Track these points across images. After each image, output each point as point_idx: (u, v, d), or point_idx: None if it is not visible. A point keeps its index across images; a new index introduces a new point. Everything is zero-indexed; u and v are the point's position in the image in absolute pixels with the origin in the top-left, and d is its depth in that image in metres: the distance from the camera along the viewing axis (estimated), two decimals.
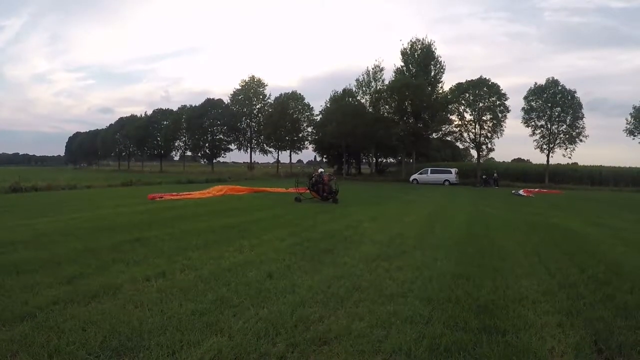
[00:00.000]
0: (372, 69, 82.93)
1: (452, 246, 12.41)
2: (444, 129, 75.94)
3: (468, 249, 12.10)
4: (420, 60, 76.97)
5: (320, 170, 29.80)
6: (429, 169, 66.67)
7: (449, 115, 73.99)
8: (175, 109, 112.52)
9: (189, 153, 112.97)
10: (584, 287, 8.32)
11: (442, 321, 6.24)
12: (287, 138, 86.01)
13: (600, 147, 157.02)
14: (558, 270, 9.65)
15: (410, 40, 78.81)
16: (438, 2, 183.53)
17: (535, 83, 72.43)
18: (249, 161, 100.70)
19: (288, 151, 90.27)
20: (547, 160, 72.15)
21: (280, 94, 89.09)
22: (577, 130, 70.62)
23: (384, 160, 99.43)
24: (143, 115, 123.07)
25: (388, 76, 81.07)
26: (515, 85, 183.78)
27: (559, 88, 70.73)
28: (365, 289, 7.65)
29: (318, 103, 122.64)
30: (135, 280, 7.92)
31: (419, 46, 77.67)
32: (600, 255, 11.80)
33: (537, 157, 72.26)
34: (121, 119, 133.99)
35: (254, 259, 9.91)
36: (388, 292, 7.52)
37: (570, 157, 71.96)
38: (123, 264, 9.17)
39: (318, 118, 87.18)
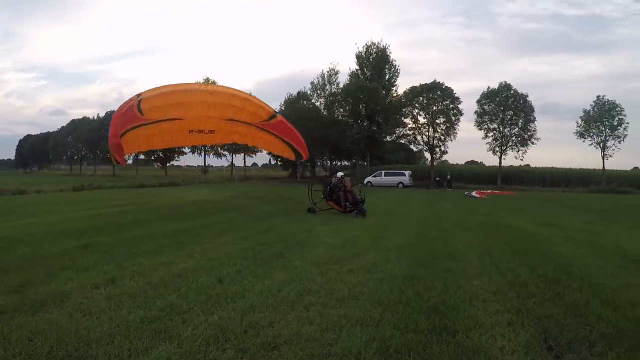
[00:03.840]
0: (327, 72, 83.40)
1: (404, 248, 12.54)
2: (397, 132, 76.61)
3: (420, 250, 12.25)
4: (375, 63, 77.43)
5: (340, 174, 23.78)
6: (383, 171, 67.14)
7: (403, 118, 74.82)
8: None
9: (142, 157, 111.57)
10: (534, 285, 8.52)
11: (392, 323, 6.30)
12: None
13: (552, 149, 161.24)
14: (509, 269, 9.87)
15: (366, 44, 79.32)
16: (397, 7, 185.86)
17: (489, 87, 73.80)
18: (203, 164, 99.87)
19: (242, 154, 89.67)
20: (500, 162, 73.45)
21: None
22: (528, 133, 72.23)
23: (339, 163, 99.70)
24: (96, 117, 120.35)
25: (343, 79, 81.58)
26: (470, 89, 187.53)
27: (512, 92, 72.21)
28: (316, 293, 7.67)
29: (274, 105, 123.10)
30: (84, 287, 7.80)
31: (374, 50, 78.14)
32: (551, 254, 12.07)
33: (491, 159, 73.86)
34: (73, 121, 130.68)
35: (204, 264, 9.84)
36: (339, 295, 7.56)
37: (522, 159, 73.59)
38: (72, 271, 9.02)
39: None
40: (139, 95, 13.77)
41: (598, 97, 73.29)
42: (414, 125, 74.52)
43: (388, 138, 78.51)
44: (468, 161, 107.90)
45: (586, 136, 72.26)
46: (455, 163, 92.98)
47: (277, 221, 18.61)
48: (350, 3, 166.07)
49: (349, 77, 79.04)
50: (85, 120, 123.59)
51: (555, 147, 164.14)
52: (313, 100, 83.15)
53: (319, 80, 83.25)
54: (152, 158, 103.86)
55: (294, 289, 7.85)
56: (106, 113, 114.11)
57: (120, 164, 12.30)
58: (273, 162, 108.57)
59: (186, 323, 6.19)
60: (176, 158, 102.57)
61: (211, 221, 18.20)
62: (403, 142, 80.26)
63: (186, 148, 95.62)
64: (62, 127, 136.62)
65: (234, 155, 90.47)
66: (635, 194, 63.03)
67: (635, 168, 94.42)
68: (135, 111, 13.26)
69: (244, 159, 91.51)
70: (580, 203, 37.83)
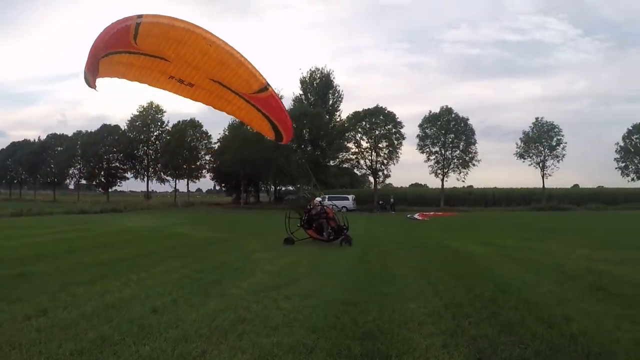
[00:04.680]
0: None
1: (343, 273, 12.55)
2: (341, 156, 77.28)
3: (359, 274, 12.29)
4: (319, 89, 78.15)
5: (319, 199, 22.24)
6: (327, 196, 67.08)
7: (346, 143, 75.62)
8: (71, 134, 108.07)
9: (83, 181, 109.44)
10: (470, 306, 8.57)
11: (325, 350, 6.22)
12: (185, 166, 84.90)
13: (494, 170, 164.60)
14: (446, 291, 9.91)
15: (310, 70, 79.92)
16: (342, 32, 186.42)
17: (430, 111, 75.21)
18: (146, 190, 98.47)
19: (186, 180, 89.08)
20: (442, 184, 75.02)
21: (179, 121, 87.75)
22: (470, 155, 74.11)
23: (283, 188, 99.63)
24: (37, 140, 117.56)
25: (287, 104, 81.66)
26: (413, 113, 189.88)
27: (453, 116, 74.05)
28: (250, 321, 7.52)
29: (217, 130, 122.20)
30: (15, 319, 7.50)
31: (319, 75, 78.91)
32: (488, 274, 12.27)
33: (435, 182, 74.83)
34: (13, 143, 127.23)
35: (139, 293, 9.58)
36: (273, 322, 7.43)
37: (464, 181, 75.56)
38: (4, 302, 8.64)
39: (216, 146, 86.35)
40: (139, 16, 13.13)
41: (537, 119, 76.20)
42: (357, 150, 75.38)
43: (332, 163, 78.88)
44: (412, 184, 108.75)
45: (526, 157, 74.92)
46: (399, 186, 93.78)
47: (217, 248, 18.47)
48: (296, 28, 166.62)
49: (292, 102, 79.40)
50: (25, 142, 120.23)
51: (498, 168, 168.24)
52: None
53: None
54: (94, 183, 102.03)
55: (228, 317, 7.69)
56: (47, 136, 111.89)
57: (91, 87, 11.63)
58: (217, 187, 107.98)
59: (117, 355, 5.99)
60: (119, 183, 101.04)
61: (150, 249, 17.91)
62: (347, 166, 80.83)
63: (129, 173, 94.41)
64: (2, 150, 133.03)
65: (177, 180, 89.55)
66: (575, 210, 65.26)
67: (576, 185, 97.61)
68: (131, 38, 12.69)
69: (188, 184, 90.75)
70: (520, 221, 38.70)
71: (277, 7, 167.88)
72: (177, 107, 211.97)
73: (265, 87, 14.97)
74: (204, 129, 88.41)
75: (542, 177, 75.86)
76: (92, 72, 12.12)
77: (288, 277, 11.69)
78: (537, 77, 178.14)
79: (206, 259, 15.11)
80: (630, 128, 78.71)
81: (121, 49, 13.56)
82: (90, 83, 12.19)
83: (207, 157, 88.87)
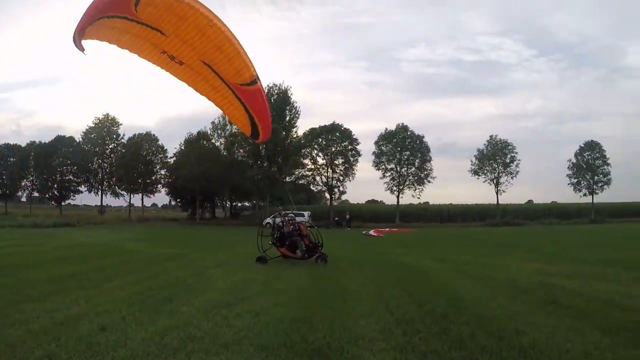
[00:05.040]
0: None
1: (295, 290, 12.48)
2: (297, 172, 77.27)
3: (312, 291, 12.24)
4: (277, 104, 77.90)
5: (291, 215, 21.83)
6: (283, 212, 66.62)
7: (302, 159, 75.67)
8: (24, 144, 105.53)
9: (36, 194, 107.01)
10: (421, 322, 8.59)
11: None
12: (140, 181, 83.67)
13: (450, 186, 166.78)
14: (397, 307, 9.92)
15: (268, 85, 79.78)
16: (302, 49, 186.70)
17: (386, 129, 75.69)
18: (100, 204, 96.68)
19: (140, 194, 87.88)
20: (397, 201, 75.86)
21: (134, 135, 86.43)
22: (425, 172, 74.84)
23: (239, 204, 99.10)
24: None
25: None
26: (371, 130, 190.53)
27: (408, 133, 74.64)
28: (200, 339, 7.40)
29: (173, 145, 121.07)
30: None
31: (276, 91, 78.64)
32: (441, 289, 12.36)
33: (391, 198, 75.39)
34: None
35: (89, 310, 9.36)
36: (223, 340, 7.32)
37: (419, 197, 76.34)
38: None
39: (172, 161, 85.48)
40: None
41: (491, 136, 77.66)
42: (313, 166, 75.69)
43: (288, 179, 78.80)
44: (369, 200, 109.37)
45: (480, 173, 76.37)
46: (356, 202, 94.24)
47: (170, 265, 18.16)
48: (256, 42, 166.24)
49: None
50: None
51: (453, 185, 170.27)
52: (213, 140, 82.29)
53: (219, 120, 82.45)
54: (47, 196, 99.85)
55: (178, 336, 7.54)
56: (0, 146, 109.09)
57: (79, 49, 11.12)
58: (173, 202, 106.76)
59: None
60: (72, 197, 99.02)
61: (101, 265, 17.53)
62: (303, 182, 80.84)
63: (82, 186, 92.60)
64: None
65: (132, 195, 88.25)
66: (529, 225, 66.73)
67: (530, 201, 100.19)
68: (132, 5, 12.08)
69: (142, 199, 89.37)
70: (474, 237, 39.18)
71: (239, 21, 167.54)
72: (133, 120, 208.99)
73: (255, 80, 14.47)
74: (159, 142, 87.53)
75: (497, 193, 77.56)
76: (80, 32, 11.58)
77: (240, 294, 11.56)
78: (492, 96, 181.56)
79: (158, 276, 14.88)
80: (582, 145, 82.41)
81: (119, 14, 12.91)
82: (78, 45, 11.67)
83: (163, 172, 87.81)
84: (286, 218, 21.06)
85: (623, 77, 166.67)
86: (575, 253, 23.31)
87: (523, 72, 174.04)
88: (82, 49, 11.42)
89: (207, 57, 13.37)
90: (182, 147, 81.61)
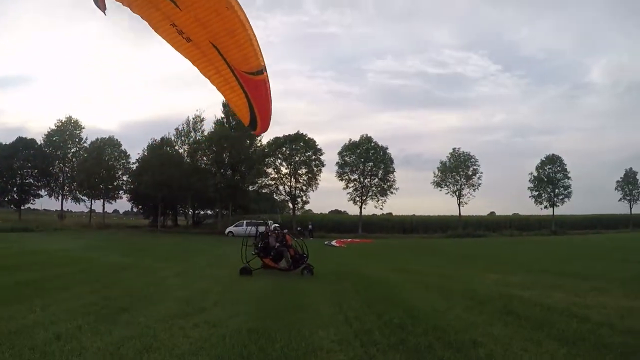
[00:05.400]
0: (193, 118, 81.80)
1: (254, 300, 12.40)
2: (260, 181, 77.23)
3: (270, 302, 12.19)
4: None
5: (275, 225, 21.01)
6: (245, 221, 66.37)
7: (265, 168, 75.74)
8: None
9: None
10: (379, 333, 8.57)
11: None
12: (102, 186, 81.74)
13: (413, 197, 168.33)
14: (356, 318, 9.89)
15: None
16: (269, 56, 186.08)
17: (350, 139, 75.97)
18: (60, 209, 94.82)
19: (102, 200, 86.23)
20: (360, 212, 75.98)
21: (97, 139, 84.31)
22: (388, 183, 75.23)
23: (201, 212, 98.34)
24: None
25: (208, 127, 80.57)
26: (336, 140, 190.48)
27: (372, 144, 74.95)
28: (156, 349, 7.26)
29: (137, 150, 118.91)
30: None
31: None
32: (400, 300, 12.38)
33: (354, 209, 75.58)
34: None
35: (44, 319, 9.13)
36: (179, 351, 7.21)
37: (382, 208, 76.60)
38: None
39: (134, 166, 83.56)
40: None
41: (454, 149, 78.62)
42: (276, 176, 75.80)
43: (251, 188, 78.48)
44: (332, 210, 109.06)
45: (443, 185, 77.54)
46: (319, 212, 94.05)
47: (129, 273, 17.88)
48: None
49: (214, 125, 78.63)
50: None
51: (417, 196, 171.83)
52: (177, 147, 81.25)
53: (183, 127, 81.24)
54: (6, 199, 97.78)
55: (134, 346, 7.39)
56: None
57: (99, 8, 10.64)
58: (135, 209, 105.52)
59: None
60: (32, 201, 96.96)
61: (59, 273, 17.14)
62: (266, 191, 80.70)
63: (42, 190, 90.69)
64: None
65: (93, 200, 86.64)
66: (490, 236, 67.85)
67: (492, 213, 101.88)
68: None
69: (104, 205, 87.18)
70: (436, 248, 39.50)
71: None
72: (96, 124, 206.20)
73: (261, 70, 14.06)
74: (122, 148, 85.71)
75: (459, 205, 78.44)
76: None
77: (198, 304, 11.42)
78: (458, 109, 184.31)
79: (116, 285, 14.56)
80: (544, 159, 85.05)
81: None
82: (100, 3, 11.28)
83: (125, 178, 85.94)
84: (272, 228, 20.48)
85: (586, 94, 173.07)
86: (534, 264, 23.69)
87: (488, 86, 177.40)
88: (103, 8, 11.10)
89: (217, 39, 12.88)
90: (145, 153, 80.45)
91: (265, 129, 15.97)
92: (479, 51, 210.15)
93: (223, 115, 78.64)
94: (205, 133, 78.88)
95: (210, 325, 9.15)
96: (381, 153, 76.73)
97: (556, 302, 11.95)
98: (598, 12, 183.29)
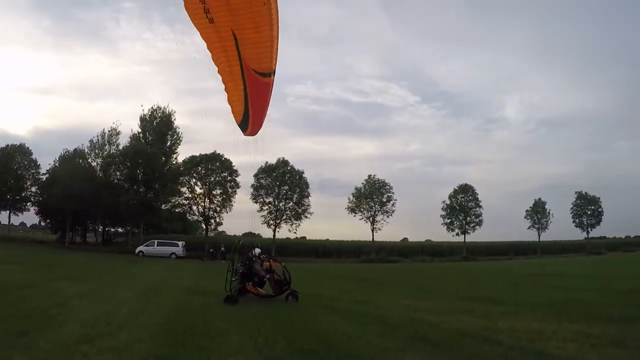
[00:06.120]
0: (109, 131, 79.58)
1: (162, 324, 11.97)
2: (173, 200, 76.01)
3: (178, 327, 11.73)
4: (159, 128, 76.46)
5: (257, 250, 18.95)
6: (156, 241, 65.55)
7: (180, 187, 74.47)
8: None
9: None
10: None
11: None
12: (8, 196, 77.21)
13: (328, 222, 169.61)
14: (266, 345, 9.65)
15: (152, 108, 78.00)
16: (190, 73, 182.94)
17: (267, 162, 75.72)
18: None
19: (8, 212, 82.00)
20: (274, 235, 75.58)
21: (7, 145, 79.14)
22: (303, 207, 75.39)
23: (112, 230, 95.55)
24: None
25: (124, 141, 78.66)
26: (253, 162, 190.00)
27: (289, 168, 74.96)
28: None
29: (47, 160, 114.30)
30: None
31: (159, 114, 77.20)
32: (311, 326, 12.25)
33: (268, 232, 75.26)
34: None
35: None
36: None
37: (296, 232, 76.30)
38: None
39: (45, 177, 79.37)
40: None
41: (370, 176, 79.77)
42: (190, 195, 74.84)
43: (164, 206, 77.02)
44: (245, 233, 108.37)
45: (357, 211, 78.39)
46: (232, 234, 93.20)
47: (30, 293, 16.95)
48: (145, 62, 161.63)
49: (129, 140, 77.13)
50: None
51: (331, 221, 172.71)
52: (90, 160, 78.55)
53: (98, 139, 79.07)
54: None
55: None
56: None
57: None
58: (43, 223, 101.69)
59: None
60: None
61: None
62: (179, 211, 79.41)
63: None
64: None
65: None
66: (403, 262, 69.06)
67: (405, 239, 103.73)
68: None
69: (10, 217, 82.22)
70: (348, 273, 39.69)
71: (131, 38, 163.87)
72: (5, 128, 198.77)
73: (270, 74, 13.52)
74: (33, 157, 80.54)
75: (372, 230, 79.49)
76: None
77: (103, 328, 10.90)
78: (375, 137, 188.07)
79: (16, 305, 13.76)
80: (457, 188, 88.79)
81: None
82: None
83: (34, 189, 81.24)
84: (256, 253, 18.78)
85: (498, 128, 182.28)
86: (445, 289, 24.14)
87: (406, 116, 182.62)
88: None
89: (240, 29, 12.41)
90: (57, 164, 77.63)
91: (255, 131, 15.69)
92: (399, 82, 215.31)
93: (140, 130, 77.32)
94: (120, 147, 77.42)
95: (115, 351, 8.72)
96: (297, 177, 77.00)
97: (467, 327, 12.10)
98: (514, 53, 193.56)
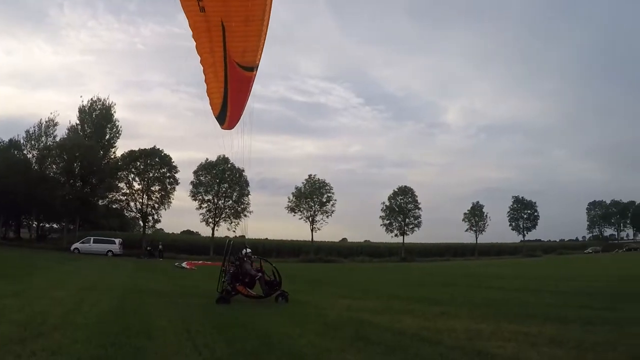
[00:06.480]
0: (46, 122, 77.15)
1: (98, 324, 11.59)
2: (111, 196, 74.51)
3: (114, 327, 11.33)
4: (98, 121, 74.82)
5: (247, 250, 18.46)
6: (92, 238, 63.54)
7: (117, 182, 73.19)
8: None
9: None
10: None
11: None
12: None
13: (268, 221, 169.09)
14: (205, 345, 9.46)
15: (91, 99, 76.22)
16: (134, 65, 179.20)
17: (207, 159, 75.15)
18: None
19: None
20: (212, 233, 75.21)
21: None
22: (242, 206, 74.88)
23: (47, 225, 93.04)
24: None
25: (61, 132, 76.47)
26: (192, 159, 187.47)
27: (229, 165, 74.22)
28: None
29: None
30: None
31: (99, 106, 75.56)
32: (252, 326, 12.06)
33: (207, 230, 74.65)
34: None
35: None
36: None
37: (234, 231, 75.64)
38: None
39: None
40: None
41: (310, 176, 79.99)
42: (128, 191, 73.50)
43: (101, 202, 75.39)
44: (184, 230, 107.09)
45: (297, 211, 78.54)
46: (170, 232, 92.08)
47: None
48: (87, 51, 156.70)
49: (67, 131, 75.51)
50: None
51: (271, 220, 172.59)
52: (25, 152, 75.89)
53: (35, 130, 76.63)
54: None
55: None
56: None
57: None
58: None
59: None
60: None
61: None
62: (116, 207, 77.91)
63: None
64: None
65: None
66: (342, 262, 69.97)
67: (344, 239, 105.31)
68: None
69: None
70: (287, 272, 39.24)
71: (76, 26, 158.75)
72: None
73: (253, 68, 13.18)
74: None
75: (312, 230, 79.81)
76: None
77: (37, 328, 10.52)
78: (317, 137, 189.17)
79: None
80: (396, 190, 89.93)
81: None
82: None
83: None
84: (245, 253, 18.37)
85: (440, 132, 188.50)
86: (385, 290, 24.30)
87: (349, 118, 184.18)
88: None
89: (230, 21, 12.33)
90: None
91: (232, 125, 15.62)
92: (343, 84, 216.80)
93: (78, 122, 75.44)
94: (58, 139, 75.53)
95: (49, 352, 8.40)
96: (237, 175, 76.41)
97: (407, 327, 12.14)
98: (458, 60, 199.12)
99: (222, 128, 15.47)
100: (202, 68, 13.82)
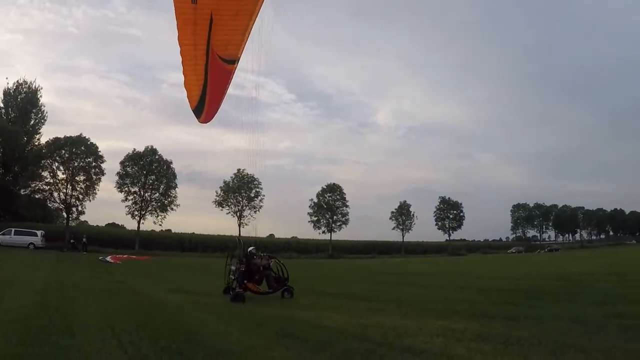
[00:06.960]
0: None
1: (17, 321, 11.09)
2: (33, 185, 71.91)
3: (35, 323, 10.92)
4: (23, 105, 72.29)
5: (251, 248, 18.13)
6: (13, 229, 60.82)
7: (41, 171, 70.61)
8: None
9: None
10: (156, 359, 8.10)
11: None
12: None
13: (195, 215, 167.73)
14: (130, 343, 9.18)
15: (17, 81, 73.53)
16: (63, 49, 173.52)
17: (134, 149, 74.09)
18: None
19: None
20: (138, 227, 74.27)
21: None
22: (169, 199, 74.24)
23: None
24: None
25: None
26: (119, 149, 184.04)
27: (157, 157, 73.44)
28: None
29: None
30: None
31: (25, 89, 72.94)
32: (178, 323, 11.86)
33: (132, 223, 73.47)
34: None
35: None
36: None
37: (161, 224, 74.98)
38: None
39: None
40: None
41: (239, 170, 79.52)
42: (51, 180, 71.05)
43: (23, 191, 73.09)
44: (109, 223, 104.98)
45: (224, 205, 78.20)
46: (95, 224, 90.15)
47: None
48: (15, 31, 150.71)
49: None
50: None
51: (197, 214, 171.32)
52: None
53: None
54: None
55: None
56: None
57: None
58: None
59: None
60: None
61: None
62: (39, 197, 75.41)
63: None
64: None
65: None
66: None
67: (271, 235, 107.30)
68: None
69: None
70: (213, 268, 39.25)
71: (6, 2, 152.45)
72: None
73: (234, 61, 12.91)
74: None
75: (239, 225, 79.84)
76: None
77: None
78: (246, 132, 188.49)
79: None
80: (325, 187, 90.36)
81: None
82: None
83: None
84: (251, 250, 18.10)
85: (370, 132, 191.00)
86: (312, 286, 24.30)
87: (279, 113, 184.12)
88: None
89: (218, 15, 12.13)
90: None
91: (209, 118, 15.45)
92: (276, 79, 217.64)
93: (2, 105, 72.70)
94: None
95: None
96: (165, 167, 75.87)
97: (335, 323, 12.10)
98: (391, 62, 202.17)
99: (199, 121, 15.43)
100: (180, 59, 13.69)
